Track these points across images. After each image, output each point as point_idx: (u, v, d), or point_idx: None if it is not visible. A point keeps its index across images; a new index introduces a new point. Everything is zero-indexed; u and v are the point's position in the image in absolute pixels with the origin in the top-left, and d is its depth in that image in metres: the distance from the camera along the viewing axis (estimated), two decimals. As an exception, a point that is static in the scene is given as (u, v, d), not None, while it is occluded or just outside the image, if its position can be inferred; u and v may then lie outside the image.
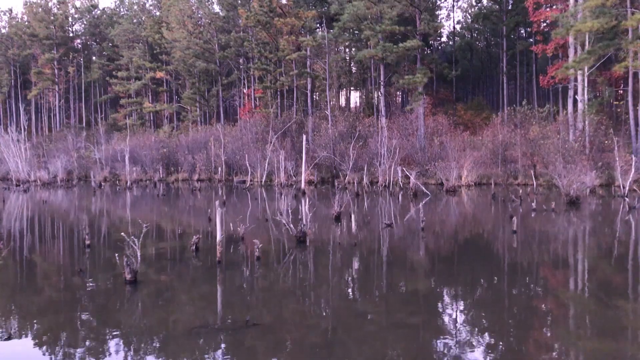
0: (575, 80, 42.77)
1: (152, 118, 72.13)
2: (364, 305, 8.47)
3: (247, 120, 53.80)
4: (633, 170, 26.04)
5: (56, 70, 75.82)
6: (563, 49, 47.14)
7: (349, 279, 10.44)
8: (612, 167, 34.05)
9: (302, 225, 13.45)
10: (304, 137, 32.78)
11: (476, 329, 7.17)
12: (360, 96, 70.45)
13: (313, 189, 36.76)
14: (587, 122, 41.45)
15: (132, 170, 52.39)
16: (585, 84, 42.43)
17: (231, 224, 16.49)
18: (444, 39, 79.74)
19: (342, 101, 71.57)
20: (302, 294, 9.27)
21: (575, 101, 42.87)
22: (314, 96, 54.37)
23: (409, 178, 39.97)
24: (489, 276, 10.66)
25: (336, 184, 39.66)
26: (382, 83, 48.65)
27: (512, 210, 20.48)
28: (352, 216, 15.70)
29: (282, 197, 30.13)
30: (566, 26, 37.65)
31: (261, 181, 42.53)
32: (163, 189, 39.29)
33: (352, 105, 69.43)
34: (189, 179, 51.92)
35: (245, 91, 62.75)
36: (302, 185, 32.88)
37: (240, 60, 61.92)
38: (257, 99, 60.38)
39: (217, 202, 11.54)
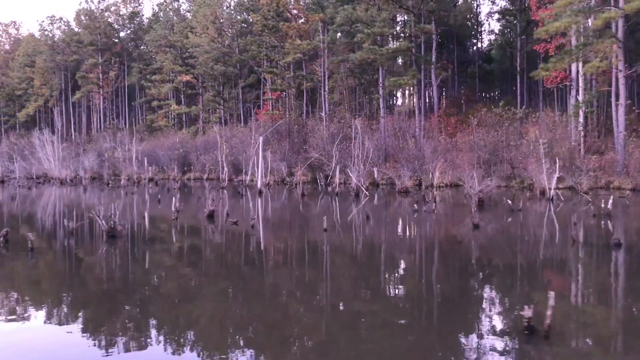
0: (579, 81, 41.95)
1: (185, 119, 75.67)
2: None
3: (257, 120, 55.99)
4: (557, 172, 25.74)
5: (100, 75, 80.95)
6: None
7: (78, 267, 11.79)
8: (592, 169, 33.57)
9: (112, 222, 14.97)
10: (261, 139, 34.08)
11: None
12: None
13: (290, 189, 38.21)
14: (577, 122, 40.69)
15: (148, 169, 55.72)
16: (580, 84, 41.45)
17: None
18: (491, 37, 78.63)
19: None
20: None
21: (577, 101, 42.01)
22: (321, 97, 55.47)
23: (387, 178, 40.72)
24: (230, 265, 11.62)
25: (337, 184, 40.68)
26: (380, 85, 49.24)
27: (417, 210, 21.02)
28: (227, 215, 17.24)
29: (242, 196, 31.86)
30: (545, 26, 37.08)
31: (245, 180, 44.15)
32: (168, 187, 41.82)
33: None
34: (201, 179, 54.53)
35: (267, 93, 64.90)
36: (259, 185, 34.32)
37: (263, 63, 63.97)
38: (275, 101, 62.48)
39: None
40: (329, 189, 37.41)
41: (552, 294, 6.59)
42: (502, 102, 42.44)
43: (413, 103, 67.95)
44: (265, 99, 63.68)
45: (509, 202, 21.74)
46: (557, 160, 26.58)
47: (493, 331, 7.15)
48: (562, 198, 26.22)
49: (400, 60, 60.83)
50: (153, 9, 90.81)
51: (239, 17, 66.73)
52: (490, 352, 6.32)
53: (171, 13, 79.19)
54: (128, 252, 13.76)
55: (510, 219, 19.42)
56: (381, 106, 49.47)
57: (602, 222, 17.95)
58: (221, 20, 65.07)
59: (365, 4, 47.37)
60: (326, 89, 54.43)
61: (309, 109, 58.86)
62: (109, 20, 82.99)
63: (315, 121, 51.49)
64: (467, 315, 8.01)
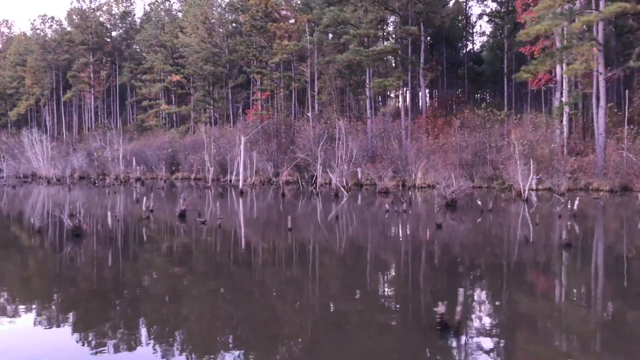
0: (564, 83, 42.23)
1: (176, 119, 75.84)
2: None
3: (245, 121, 56.24)
4: (532, 173, 26.06)
5: (92, 74, 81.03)
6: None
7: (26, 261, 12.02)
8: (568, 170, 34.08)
9: (77, 220, 15.15)
10: (242, 139, 34.30)
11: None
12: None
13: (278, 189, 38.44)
14: (560, 124, 41.12)
15: (136, 169, 55.87)
16: (565, 86, 41.78)
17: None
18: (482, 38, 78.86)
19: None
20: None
21: (561, 103, 42.31)
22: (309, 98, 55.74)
23: (371, 179, 40.95)
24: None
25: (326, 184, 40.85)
26: (367, 86, 49.48)
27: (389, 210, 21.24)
28: (198, 215, 17.60)
29: (215, 195, 32.13)
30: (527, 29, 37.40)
31: (230, 180, 44.31)
32: (151, 186, 42.01)
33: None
34: (189, 178, 54.66)
35: (256, 93, 65.14)
36: (241, 185, 34.53)
37: (253, 63, 64.17)
38: (265, 101, 62.79)
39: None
40: (311, 189, 37.57)
41: (461, 290, 6.82)
42: (484, 104, 42.66)
43: (403, 104, 68.34)
44: (255, 99, 64.02)
45: (479, 202, 22.01)
46: (532, 162, 26.83)
47: (408, 327, 7.37)
48: (536, 199, 26.51)
49: (393, 62, 61.07)
50: (145, 8, 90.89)
51: (229, 18, 66.94)
52: (403, 347, 6.54)
53: (162, 13, 79.37)
54: (92, 250, 13.96)
55: (479, 220, 19.64)
56: (368, 107, 49.74)
57: (569, 223, 18.18)
58: (212, 21, 65.26)
59: (353, 6, 47.64)
60: (316, 89, 54.70)
61: (299, 109, 59.12)
62: (101, 19, 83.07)
63: (303, 122, 51.77)
64: (379, 311, 8.25)
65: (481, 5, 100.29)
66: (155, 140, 62.10)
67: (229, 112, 65.89)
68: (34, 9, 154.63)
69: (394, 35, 53.76)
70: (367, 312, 8.13)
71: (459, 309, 6.71)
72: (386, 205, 22.43)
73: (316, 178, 40.01)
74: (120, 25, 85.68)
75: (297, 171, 45.42)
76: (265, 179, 46.41)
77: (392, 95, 74.62)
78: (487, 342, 6.73)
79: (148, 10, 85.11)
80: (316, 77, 54.49)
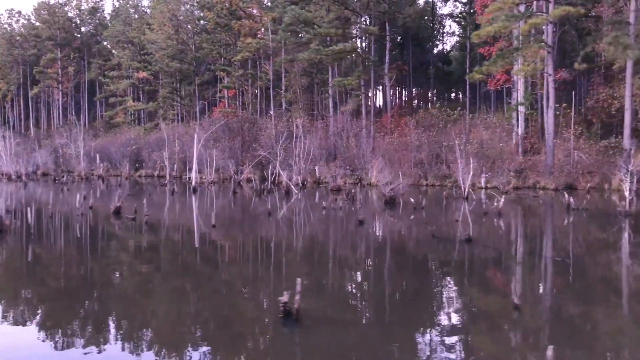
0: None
1: (144, 116, 75.46)
2: None
3: (209, 118, 56.47)
4: (471, 172, 26.75)
5: (60, 70, 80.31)
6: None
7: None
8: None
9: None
10: (196, 137, 34.56)
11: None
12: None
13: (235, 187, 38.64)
14: (513, 124, 42.06)
15: (99, 166, 55.66)
16: (520, 87, 42.62)
17: None
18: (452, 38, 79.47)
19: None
20: None
21: (517, 102, 43.11)
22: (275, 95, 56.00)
23: (333, 177, 41.42)
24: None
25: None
26: (330, 84, 49.94)
27: (327, 207, 21.67)
28: (135, 212, 17.99)
29: (171, 193, 32.33)
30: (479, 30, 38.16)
31: (190, 178, 44.38)
32: (107, 184, 42.03)
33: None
34: (152, 176, 54.57)
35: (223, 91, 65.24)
36: (193, 183, 34.76)
37: (221, 61, 64.21)
38: (231, 98, 62.94)
39: None
40: (263, 186, 37.88)
41: (299, 280, 7.24)
42: (438, 103, 43.40)
43: (364, 103, 68.73)
44: (221, 97, 64.13)
45: (412, 200, 22.58)
46: (472, 160, 27.43)
47: (252, 316, 7.83)
48: (484, 197, 27.17)
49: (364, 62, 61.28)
50: (114, 4, 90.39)
51: (196, 15, 66.88)
52: (249, 334, 6.97)
53: (131, 10, 78.97)
54: (7, 245, 14.17)
55: (412, 217, 20.11)
56: (330, 106, 50.21)
57: (495, 220, 18.77)
58: (179, 17, 65.15)
59: (316, 5, 47.99)
60: (283, 87, 54.92)
61: (264, 107, 59.30)
62: (69, 15, 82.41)
63: (267, 120, 52.04)
64: (236, 302, 8.70)
65: (449, 5, 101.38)
66: (120, 137, 61.87)
67: (196, 109, 65.87)
68: (1, 3, 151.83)
69: (355, 36, 54.16)
70: (221, 302, 8.57)
71: (297, 297, 7.12)
72: (323, 202, 22.85)
73: (275, 176, 40.34)
74: (89, 21, 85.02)
75: (259, 169, 45.69)
76: (227, 177, 46.58)
77: (355, 94, 74.99)
78: (325, 327, 7.17)
79: (117, 6, 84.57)
80: (283, 75, 54.78)
